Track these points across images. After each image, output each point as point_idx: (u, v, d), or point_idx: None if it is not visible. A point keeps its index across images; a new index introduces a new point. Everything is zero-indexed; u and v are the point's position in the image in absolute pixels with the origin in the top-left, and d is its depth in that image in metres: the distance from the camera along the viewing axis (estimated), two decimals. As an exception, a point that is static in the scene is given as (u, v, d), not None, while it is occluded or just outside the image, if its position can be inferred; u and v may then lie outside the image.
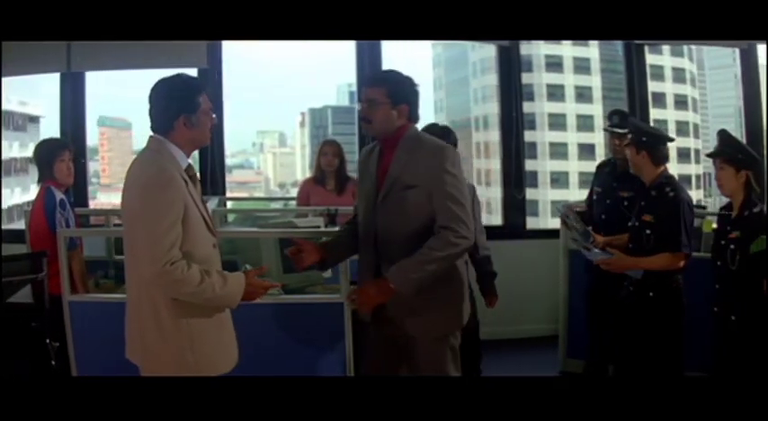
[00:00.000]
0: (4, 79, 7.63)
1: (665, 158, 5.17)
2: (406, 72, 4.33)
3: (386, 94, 4.30)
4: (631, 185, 5.90)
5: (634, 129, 5.26)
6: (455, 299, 4.45)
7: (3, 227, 8.16)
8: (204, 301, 3.75)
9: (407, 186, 4.28)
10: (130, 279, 3.88)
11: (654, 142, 5.12)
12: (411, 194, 4.27)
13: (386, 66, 8.41)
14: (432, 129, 5.42)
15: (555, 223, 6.61)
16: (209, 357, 3.87)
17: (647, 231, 5.04)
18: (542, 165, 30.41)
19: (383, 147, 4.44)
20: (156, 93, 3.87)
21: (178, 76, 3.98)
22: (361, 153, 4.69)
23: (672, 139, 5.28)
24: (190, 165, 3.93)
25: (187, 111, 3.83)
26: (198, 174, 4.09)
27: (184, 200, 3.73)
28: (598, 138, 30.86)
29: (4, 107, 8.23)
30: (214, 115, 4.00)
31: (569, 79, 32.92)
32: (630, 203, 5.84)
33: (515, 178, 8.37)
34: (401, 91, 4.34)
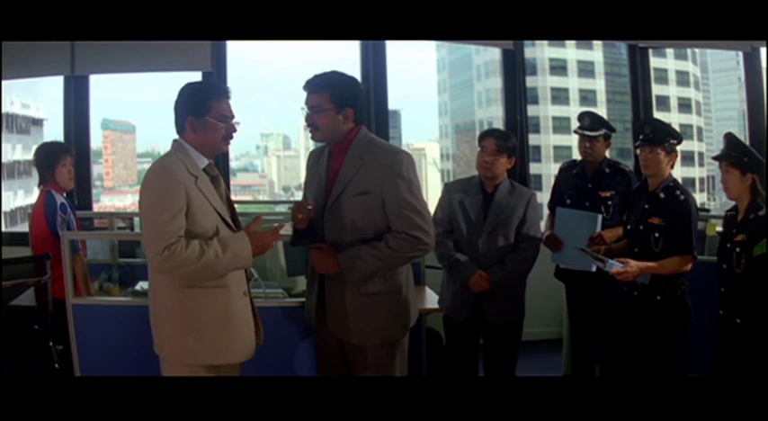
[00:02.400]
0: (6, 82, 7.64)
1: None
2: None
3: (329, 100, 4.28)
4: (610, 185, 6.01)
5: (667, 131, 5.20)
6: (396, 305, 4.45)
7: (7, 229, 8.16)
8: (218, 272, 3.86)
9: (359, 192, 4.27)
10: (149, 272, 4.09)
11: (674, 145, 5.14)
12: (362, 201, 4.27)
13: (390, 69, 8.43)
14: (493, 133, 5.44)
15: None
16: (214, 346, 3.96)
17: (656, 234, 5.03)
18: (546, 168, 30.34)
19: (333, 151, 4.42)
20: (177, 96, 4.03)
21: (198, 81, 4.09)
22: (310, 154, 4.66)
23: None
24: (210, 165, 4.05)
25: (194, 114, 3.95)
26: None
27: (189, 194, 3.83)
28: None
29: (6, 110, 8.24)
30: (236, 123, 4.06)
31: (573, 82, 32.84)
32: (614, 203, 5.86)
33: (519, 181, 8.31)
34: (345, 95, 4.30)
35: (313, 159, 4.57)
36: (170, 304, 3.98)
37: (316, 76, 4.33)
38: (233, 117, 4.04)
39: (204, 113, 3.95)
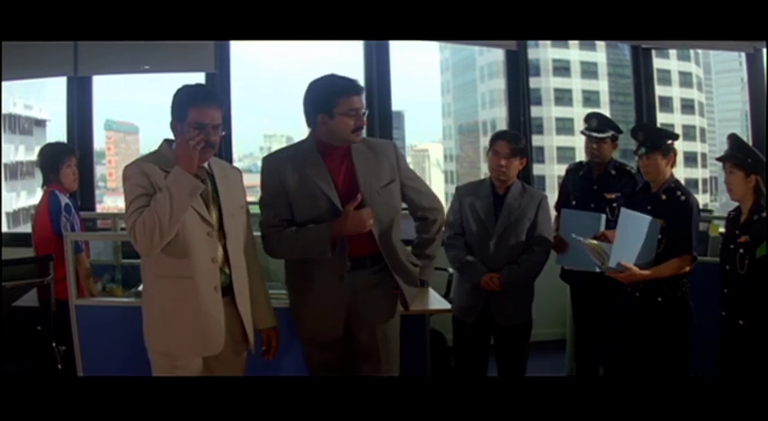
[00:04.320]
0: (9, 82, 7.64)
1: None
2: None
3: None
4: (615, 187, 6.05)
5: (660, 135, 5.20)
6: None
7: (10, 230, 8.16)
8: (170, 209, 3.80)
9: (387, 183, 4.42)
10: None
11: (672, 144, 5.13)
12: (393, 188, 4.45)
13: (394, 70, 8.43)
14: (505, 136, 5.50)
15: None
16: (174, 337, 4.03)
17: (659, 236, 5.02)
18: (550, 169, 30.33)
19: (328, 155, 4.42)
20: None
21: (187, 85, 4.08)
22: (272, 162, 4.58)
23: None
24: (198, 168, 3.99)
25: (176, 119, 4.00)
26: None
27: (156, 184, 3.89)
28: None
29: (9, 110, 8.24)
30: (217, 134, 4.03)
31: (577, 83, 32.82)
32: (619, 204, 5.85)
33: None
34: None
35: (285, 168, 4.46)
36: (145, 292, 4.15)
37: (353, 80, 4.38)
38: (212, 126, 3.98)
39: (182, 119, 3.97)
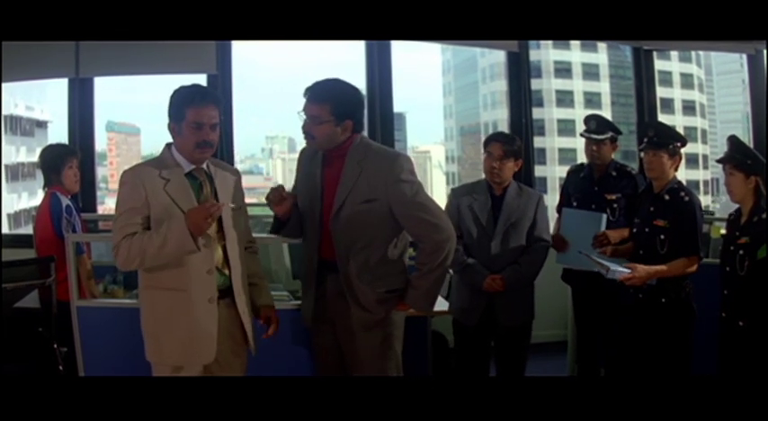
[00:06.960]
0: (11, 84, 7.63)
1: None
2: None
3: (330, 112, 4.19)
4: (616, 188, 6.04)
5: (670, 135, 5.19)
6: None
7: (11, 231, 8.15)
8: (160, 254, 3.84)
9: (364, 200, 4.24)
10: None
11: (679, 148, 5.12)
12: (368, 208, 4.25)
13: (396, 71, 8.40)
14: (498, 138, 5.42)
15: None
16: (168, 347, 4.02)
17: (662, 236, 5.02)
18: (551, 171, 30.33)
19: (328, 156, 4.37)
20: None
21: (184, 86, 4.05)
22: (302, 153, 4.59)
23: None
24: (198, 169, 4.03)
25: (173, 120, 3.99)
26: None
27: (150, 196, 3.91)
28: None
29: (11, 112, 8.24)
30: (214, 132, 4.01)
31: (578, 85, 32.85)
32: (620, 205, 5.87)
33: (524, 184, 8.25)
34: (346, 107, 4.22)
35: (305, 159, 4.52)
36: (141, 303, 4.14)
37: (317, 85, 4.26)
38: (210, 125, 3.98)
39: (180, 120, 3.96)
